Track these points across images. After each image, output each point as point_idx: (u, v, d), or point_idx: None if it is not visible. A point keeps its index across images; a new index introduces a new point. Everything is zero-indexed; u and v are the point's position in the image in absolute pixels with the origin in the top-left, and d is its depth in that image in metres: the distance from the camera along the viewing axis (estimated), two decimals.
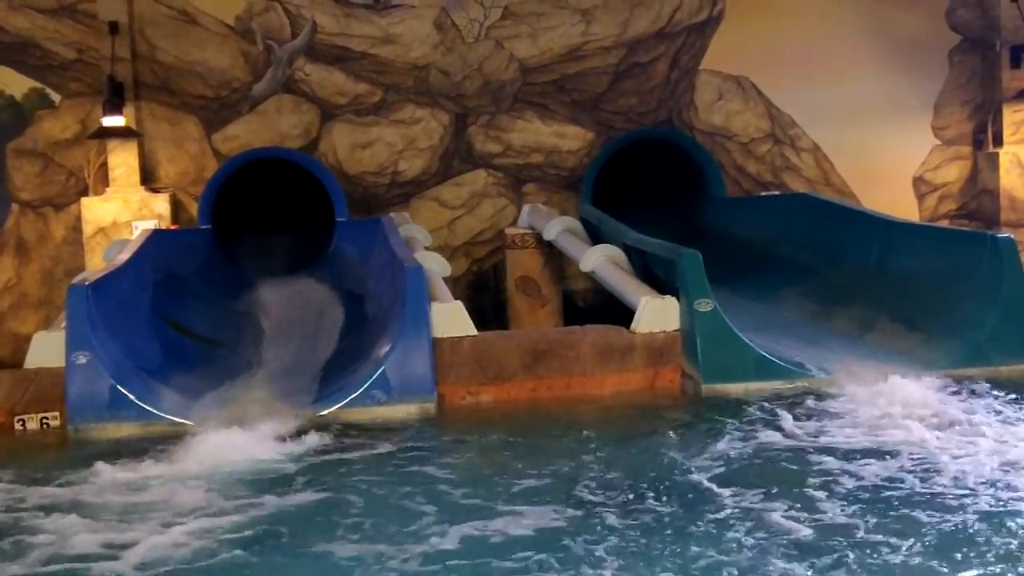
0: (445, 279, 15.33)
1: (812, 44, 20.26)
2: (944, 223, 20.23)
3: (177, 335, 14.28)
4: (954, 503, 8.92)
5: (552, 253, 18.24)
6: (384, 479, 10.09)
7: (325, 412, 12.18)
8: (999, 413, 11.37)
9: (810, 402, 11.99)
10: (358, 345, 13.69)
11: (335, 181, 19.16)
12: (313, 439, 11.23)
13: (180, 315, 14.75)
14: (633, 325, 13.42)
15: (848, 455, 10.23)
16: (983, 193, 20.47)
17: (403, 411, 12.28)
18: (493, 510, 9.20)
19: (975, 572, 7.64)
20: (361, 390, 12.33)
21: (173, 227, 18.44)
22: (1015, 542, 8.09)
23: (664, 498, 9.33)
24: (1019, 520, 8.47)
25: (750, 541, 8.28)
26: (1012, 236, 14.33)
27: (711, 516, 8.84)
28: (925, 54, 20.62)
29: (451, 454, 10.92)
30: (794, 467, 10.01)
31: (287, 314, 15.82)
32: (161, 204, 18.69)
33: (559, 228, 17.83)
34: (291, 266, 17.93)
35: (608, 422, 11.88)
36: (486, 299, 19.36)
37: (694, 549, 8.18)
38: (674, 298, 13.42)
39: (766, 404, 12.06)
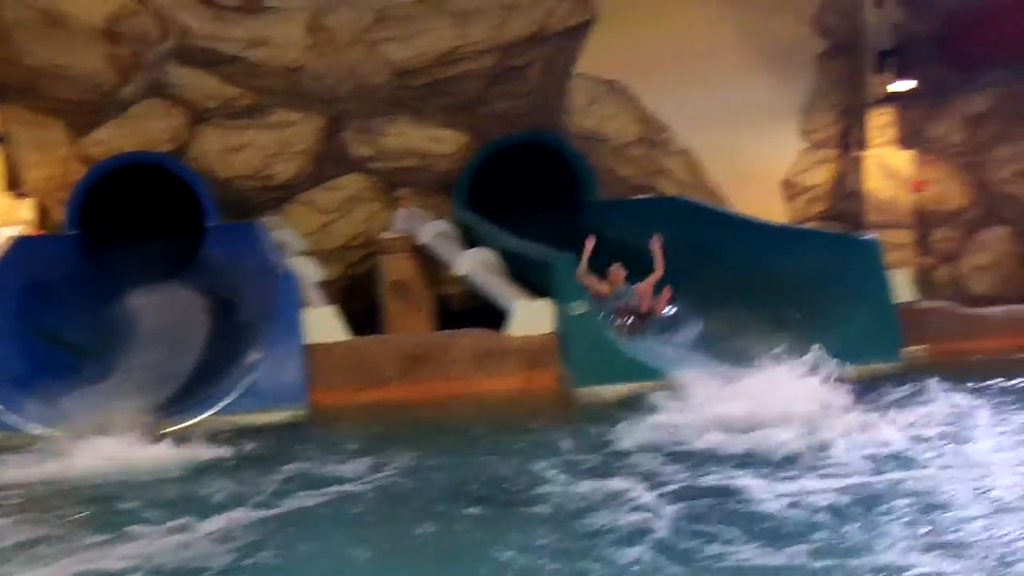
0: (318, 284, 15.23)
1: (684, 49, 20.39)
2: (813, 225, 20.51)
3: (44, 344, 14.04)
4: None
5: (426, 257, 18.20)
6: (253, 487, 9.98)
7: (197, 419, 12.04)
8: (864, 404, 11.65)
9: (679, 402, 11.99)
10: (230, 352, 13.55)
11: (204, 185, 18.87)
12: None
13: (47, 323, 14.50)
14: (508, 328, 13.47)
15: (708, 455, 10.31)
16: (850, 195, 20.79)
17: (275, 418, 12.16)
18: (357, 509, 9.23)
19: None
20: (233, 397, 12.21)
21: (39, 233, 18.12)
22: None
23: (522, 498, 9.33)
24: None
25: (587, 544, 8.28)
26: (877, 237, 14.60)
27: (576, 520, 8.82)
28: (794, 59, 20.88)
29: (315, 461, 10.73)
30: (653, 467, 10.02)
31: (158, 321, 15.62)
32: (26, 210, 18.36)
33: (433, 232, 17.82)
34: (162, 272, 17.67)
35: (481, 425, 11.87)
36: (360, 304, 19.21)
37: (540, 549, 8.20)
38: (548, 301, 13.50)
39: (637, 405, 12.07)
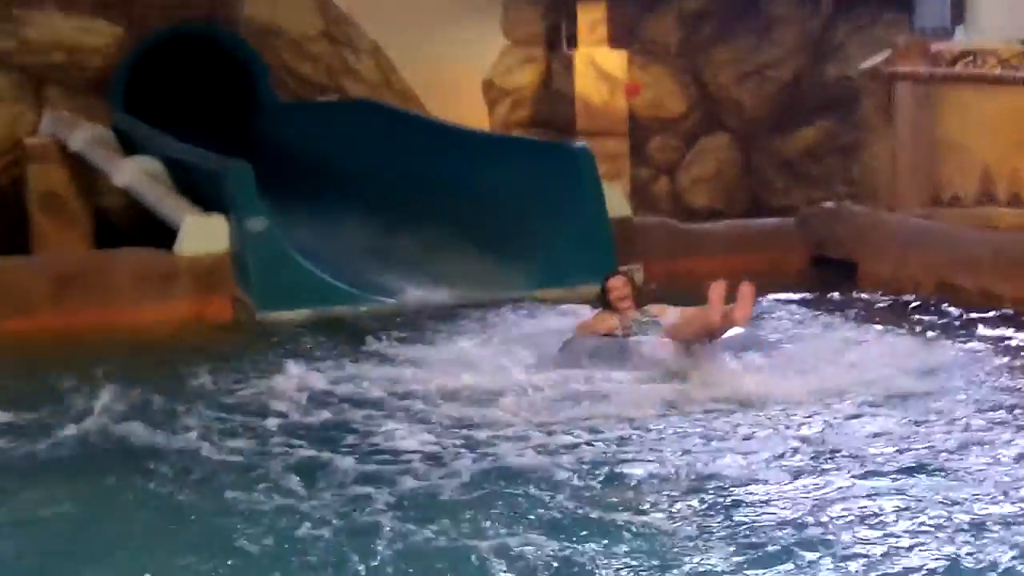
0: None
1: None
2: (518, 132, 20.76)
3: None
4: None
5: (81, 167, 17.86)
6: None
7: None
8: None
9: (372, 332, 12.10)
10: None
11: None
12: None
13: None
14: (176, 247, 13.42)
15: (400, 394, 10.31)
16: (558, 99, 21.07)
17: None
18: None
19: None
20: None
21: None
22: None
23: (175, 450, 9.10)
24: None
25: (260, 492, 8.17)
26: (588, 146, 14.91)
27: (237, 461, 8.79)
28: None
29: None
30: (345, 407, 9.98)
31: None
32: None
33: (87, 137, 17.49)
34: None
35: (142, 358, 11.68)
36: (4, 220, 18.77)
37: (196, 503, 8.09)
38: (222, 216, 13.49)
39: (324, 334, 12.20)
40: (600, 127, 20.33)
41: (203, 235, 13.43)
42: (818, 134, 21.42)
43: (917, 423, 9.18)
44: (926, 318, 12.67)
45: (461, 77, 20.91)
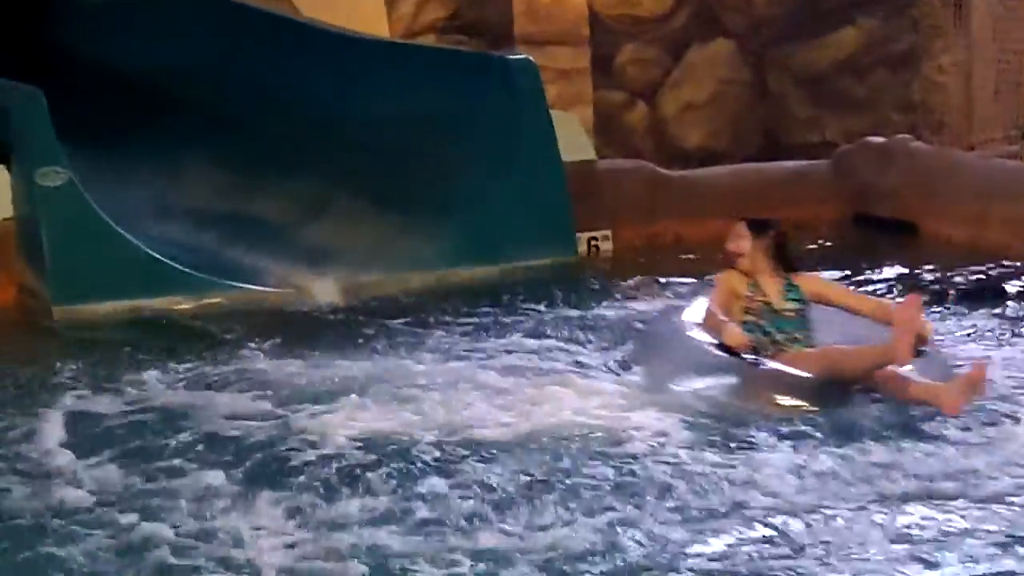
0: None
1: None
2: (431, 40, 20.52)
3: None
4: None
5: None
6: None
7: None
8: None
9: (222, 336, 12.03)
10: None
11: None
12: None
13: None
14: None
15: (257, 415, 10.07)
16: None
17: None
18: None
19: None
20: None
21: None
22: None
23: None
24: None
25: None
26: (530, 58, 14.72)
27: None
28: None
29: None
30: (183, 434, 9.62)
31: None
32: None
33: None
34: None
35: None
36: None
37: None
38: (2, 166, 13.47)
39: (148, 339, 12.06)
40: (549, 32, 20.11)
41: None
42: (860, 39, 21.20)
43: None
44: None
45: None
